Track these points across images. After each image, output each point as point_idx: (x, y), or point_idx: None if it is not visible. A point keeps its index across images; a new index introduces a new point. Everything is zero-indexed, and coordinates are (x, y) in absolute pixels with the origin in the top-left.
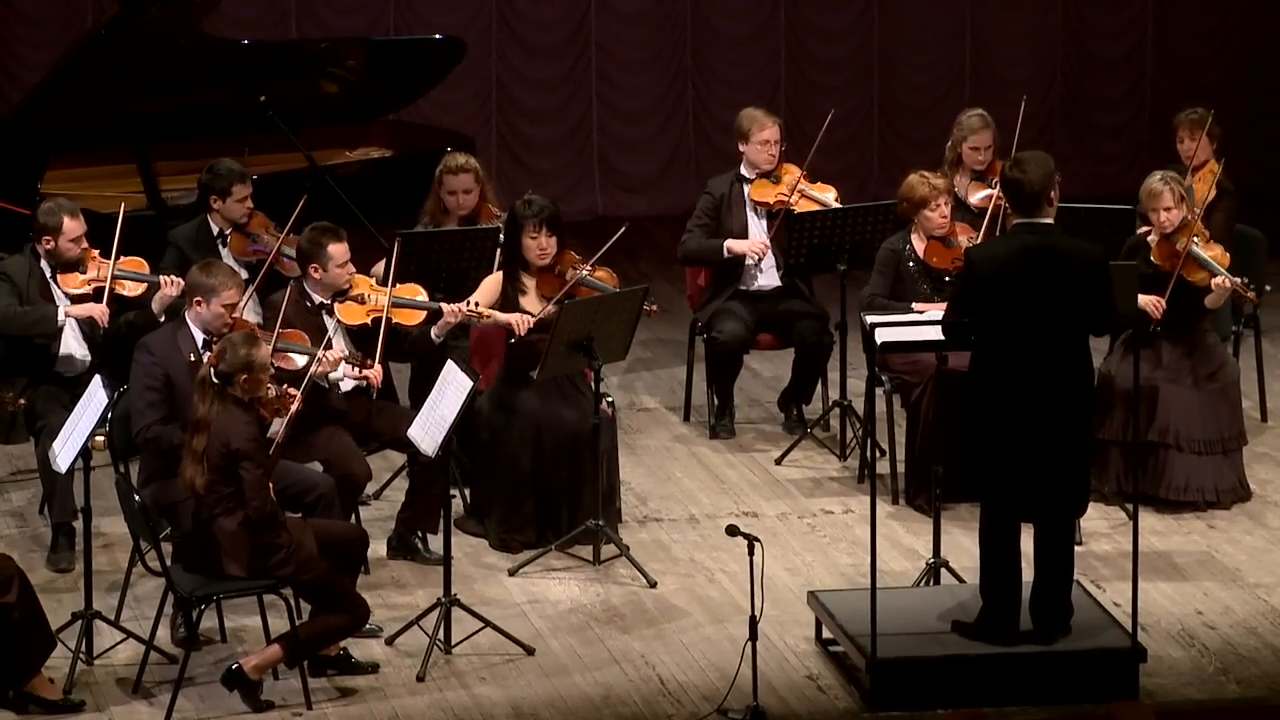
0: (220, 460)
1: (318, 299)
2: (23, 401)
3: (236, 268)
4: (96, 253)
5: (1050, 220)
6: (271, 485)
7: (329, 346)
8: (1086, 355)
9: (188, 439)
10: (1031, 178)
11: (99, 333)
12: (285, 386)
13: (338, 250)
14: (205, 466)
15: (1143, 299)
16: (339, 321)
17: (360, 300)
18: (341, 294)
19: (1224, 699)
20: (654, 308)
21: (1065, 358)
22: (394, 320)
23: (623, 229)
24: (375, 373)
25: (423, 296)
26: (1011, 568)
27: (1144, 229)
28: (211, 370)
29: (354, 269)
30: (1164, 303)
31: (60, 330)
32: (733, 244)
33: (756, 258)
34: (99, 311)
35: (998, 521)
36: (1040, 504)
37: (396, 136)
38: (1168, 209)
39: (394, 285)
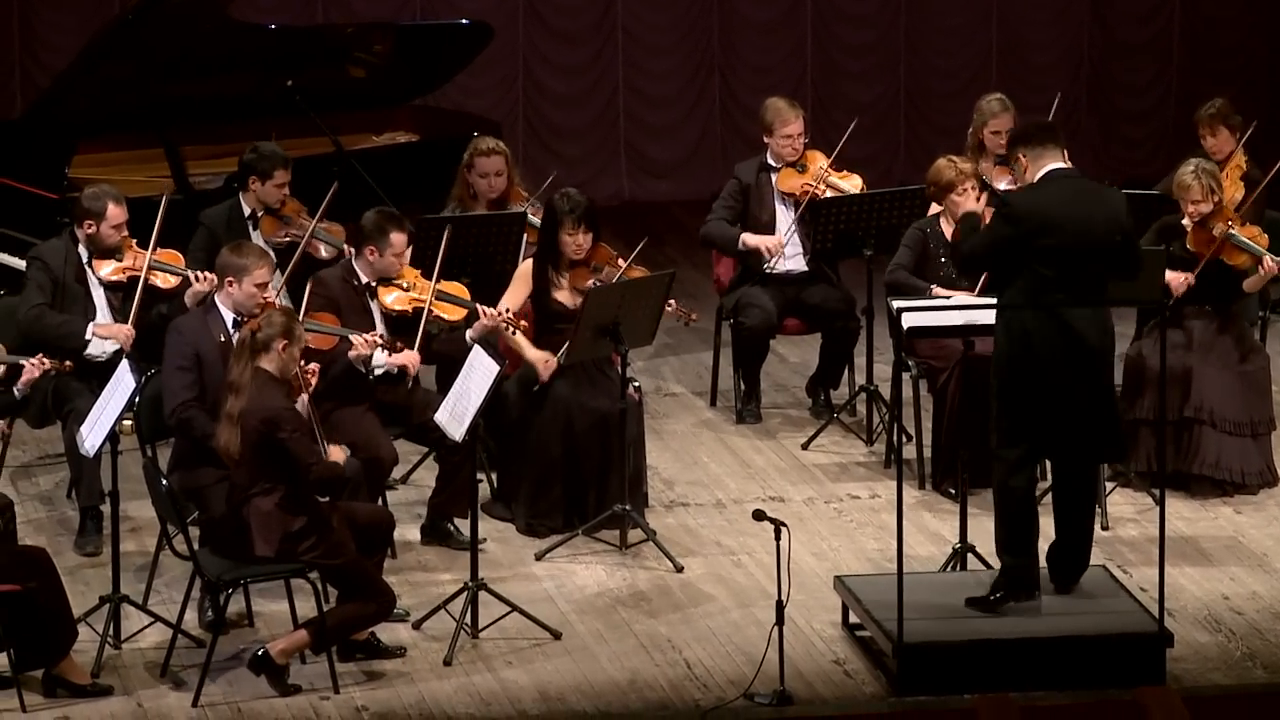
0: (257, 438)
1: (364, 279)
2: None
3: (266, 249)
4: (134, 242)
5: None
6: (344, 451)
7: (372, 328)
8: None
9: (220, 402)
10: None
11: (130, 312)
12: (304, 364)
13: (399, 239)
14: (239, 432)
15: (1172, 275)
16: (380, 305)
17: (404, 288)
18: (386, 279)
19: (1251, 683)
20: (695, 316)
21: (1093, 298)
22: (434, 313)
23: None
24: (413, 359)
25: (465, 295)
26: (1030, 517)
27: (1177, 213)
28: (251, 334)
29: (408, 259)
30: (1193, 279)
31: (85, 347)
32: (748, 238)
33: (770, 256)
34: (125, 334)
35: (1016, 465)
36: (1064, 445)
37: (423, 121)
38: (1196, 202)
39: (439, 278)
